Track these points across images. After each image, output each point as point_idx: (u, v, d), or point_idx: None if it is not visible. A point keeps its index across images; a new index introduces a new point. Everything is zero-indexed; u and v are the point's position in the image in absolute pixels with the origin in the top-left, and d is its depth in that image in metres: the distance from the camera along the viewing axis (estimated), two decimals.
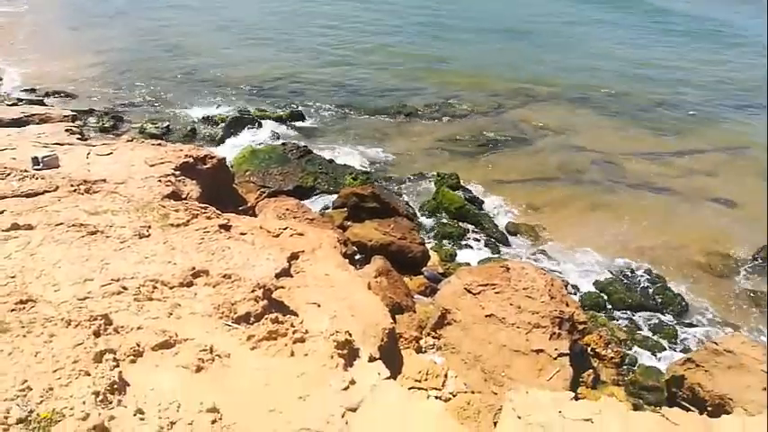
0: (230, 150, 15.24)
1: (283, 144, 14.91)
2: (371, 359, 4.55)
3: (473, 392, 7.05)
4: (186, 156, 10.06)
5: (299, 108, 18.36)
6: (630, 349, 9.30)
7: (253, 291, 4.95)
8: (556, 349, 7.46)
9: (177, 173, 9.59)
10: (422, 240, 10.78)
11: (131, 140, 13.60)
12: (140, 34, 27.57)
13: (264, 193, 11.77)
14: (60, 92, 19.24)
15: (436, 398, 6.79)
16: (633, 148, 17.49)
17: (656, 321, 9.93)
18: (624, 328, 9.76)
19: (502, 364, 7.21)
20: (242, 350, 4.33)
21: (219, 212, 7.38)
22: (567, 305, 8.35)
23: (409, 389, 6.51)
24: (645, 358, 9.18)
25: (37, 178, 8.57)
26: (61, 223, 6.77)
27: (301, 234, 6.90)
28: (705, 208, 14.15)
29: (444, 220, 12.42)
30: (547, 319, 7.75)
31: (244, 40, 28.40)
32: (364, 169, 14.52)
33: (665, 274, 11.21)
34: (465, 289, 8.26)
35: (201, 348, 4.18)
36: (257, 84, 21.19)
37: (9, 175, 8.57)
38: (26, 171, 8.76)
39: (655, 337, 9.56)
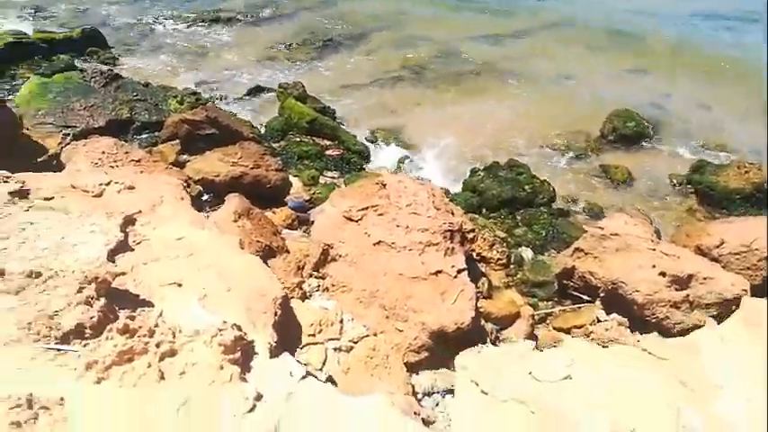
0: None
1: (82, 71, 12.10)
2: (273, 353, 3.36)
3: (375, 335, 6.18)
4: None
5: (92, 26, 15.02)
6: (512, 247, 9.01)
7: (80, 289, 3.39)
8: (453, 266, 6.75)
9: None
10: (279, 165, 9.35)
11: None
12: None
13: (69, 135, 9.37)
14: None
15: (335, 349, 5.85)
16: (470, 33, 17.09)
17: (531, 213, 9.74)
18: (502, 226, 9.43)
19: (402, 296, 6.37)
20: (82, 388, 2.88)
21: (8, 174, 5.36)
22: (453, 214, 7.66)
23: (303, 347, 5.47)
24: (528, 253, 8.95)
25: None
26: None
27: (132, 188, 5.20)
28: (550, 86, 14.26)
29: (297, 138, 11.00)
30: (438, 235, 6.98)
31: None
32: (190, 89, 12.35)
33: (527, 162, 11.03)
34: (345, 217, 7.17)
35: (13, 404, 2.67)
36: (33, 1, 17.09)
37: None
38: None
39: (533, 230, 9.37)
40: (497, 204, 9.82)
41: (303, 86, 11.94)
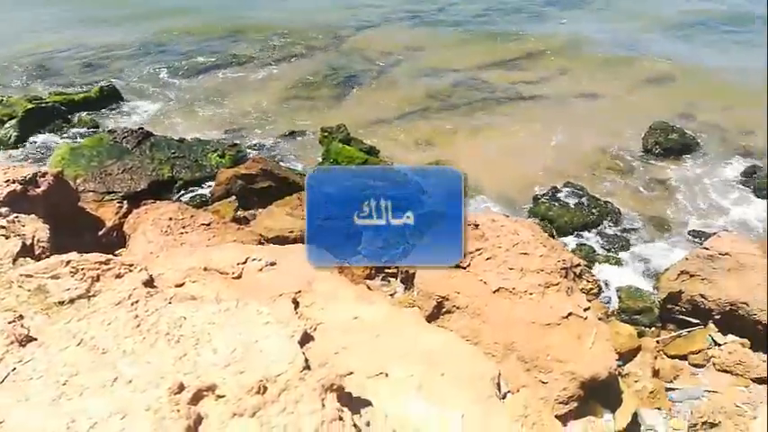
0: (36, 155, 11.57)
1: (110, 132, 11.58)
2: None
3: (518, 390, 5.80)
4: (9, 181, 6.95)
5: (106, 82, 14.54)
6: (597, 273, 8.72)
7: (323, 403, 2.95)
8: (579, 305, 6.42)
9: (5, 210, 6.59)
10: None
11: None
12: None
13: (123, 204, 8.83)
14: None
15: None
16: (484, 60, 17.01)
17: (605, 236, 9.49)
18: (580, 252, 9.15)
19: (541, 345, 5.99)
20: None
21: (130, 262, 4.88)
22: (554, 249, 7.36)
23: None
24: (615, 279, 8.68)
25: None
26: None
27: (273, 264, 4.77)
28: (576, 107, 14.16)
29: None
30: (556, 275, 6.65)
31: None
32: (228, 141, 11.89)
33: (582, 183, 10.83)
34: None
35: None
36: (37, 61, 16.47)
37: None
38: None
39: (612, 254, 9.11)
40: (570, 230, 9.57)
41: (346, 129, 11.58)
